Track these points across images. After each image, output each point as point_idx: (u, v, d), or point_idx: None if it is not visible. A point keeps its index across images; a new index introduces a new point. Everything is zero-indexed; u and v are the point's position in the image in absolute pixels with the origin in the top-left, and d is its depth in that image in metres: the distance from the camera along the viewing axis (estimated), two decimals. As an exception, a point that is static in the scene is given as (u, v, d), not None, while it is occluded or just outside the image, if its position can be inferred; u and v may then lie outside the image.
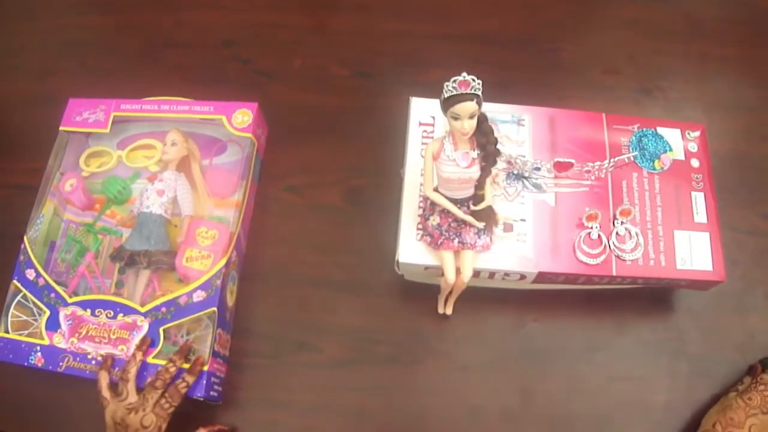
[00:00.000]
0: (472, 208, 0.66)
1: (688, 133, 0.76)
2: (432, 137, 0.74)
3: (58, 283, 0.76)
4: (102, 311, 0.74)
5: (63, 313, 0.74)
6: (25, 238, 0.77)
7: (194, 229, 0.77)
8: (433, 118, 0.75)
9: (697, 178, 0.74)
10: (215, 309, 0.72)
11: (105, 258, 0.80)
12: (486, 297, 0.75)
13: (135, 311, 0.73)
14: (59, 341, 0.73)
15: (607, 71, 0.90)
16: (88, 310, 0.74)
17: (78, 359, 0.72)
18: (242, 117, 0.80)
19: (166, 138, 0.82)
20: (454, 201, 0.66)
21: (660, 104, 0.87)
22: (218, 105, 0.81)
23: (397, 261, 0.70)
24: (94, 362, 0.72)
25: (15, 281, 0.76)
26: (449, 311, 0.74)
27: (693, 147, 0.75)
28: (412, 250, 0.69)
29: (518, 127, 0.74)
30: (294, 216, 0.82)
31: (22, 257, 0.77)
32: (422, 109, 0.75)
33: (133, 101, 0.83)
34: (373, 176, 0.81)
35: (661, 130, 0.76)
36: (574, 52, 0.91)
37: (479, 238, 0.67)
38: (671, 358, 0.75)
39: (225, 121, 0.80)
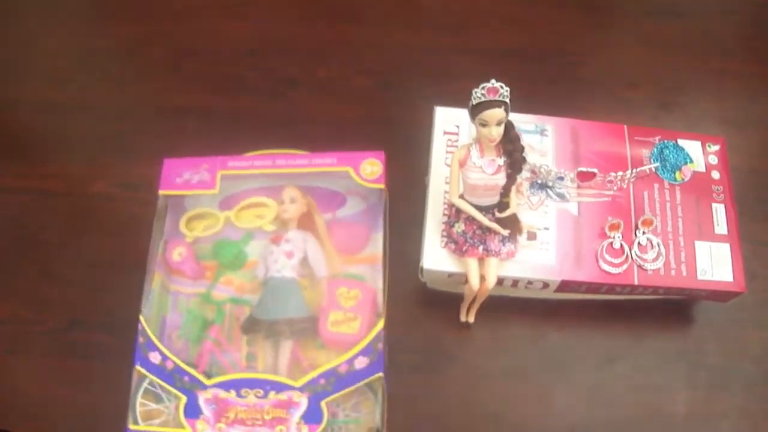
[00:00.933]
0: (497, 215, 0.67)
1: (709, 146, 0.77)
2: (456, 146, 0.74)
3: (186, 364, 0.69)
4: (249, 391, 0.67)
5: (203, 397, 0.67)
6: (141, 318, 0.70)
7: (334, 291, 0.72)
8: (458, 127, 0.76)
9: (717, 189, 0.75)
10: (381, 375, 0.67)
11: (230, 329, 0.73)
12: (507, 306, 0.75)
13: (288, 387, 0.66)
14: (204, 429, 0.66)
15: (626, 86, 0.91)
16: (233, 392, 0.67)
17: None
18: (371, 168, 0.75)
19: (283, 195, 0.76)
20: (480, 208, 0.67)
21: (679, 119, 0.88)
22: (342, 156, 0.76)
23: (422, 268, 0.70)
24: None
25: (138, 367, 0.68)
26: (471, 319, 0.75)
27: (713, 159, 0.76)
28: (436, 257, 0.70)
29: (541, 137, 0.75)
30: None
31: (141, 339, 0.69)
32: (447, 119, 0.76)
33: (242, 158, 0.77)
34: (395, 185, 0.81)
35: (681, 142, 0.77)
36: (593, 67, 0.92)
37: (504, 245, 0.68)
38: (690, 370, 0.76)
39: (352, 173, 0.75)
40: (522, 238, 0.70)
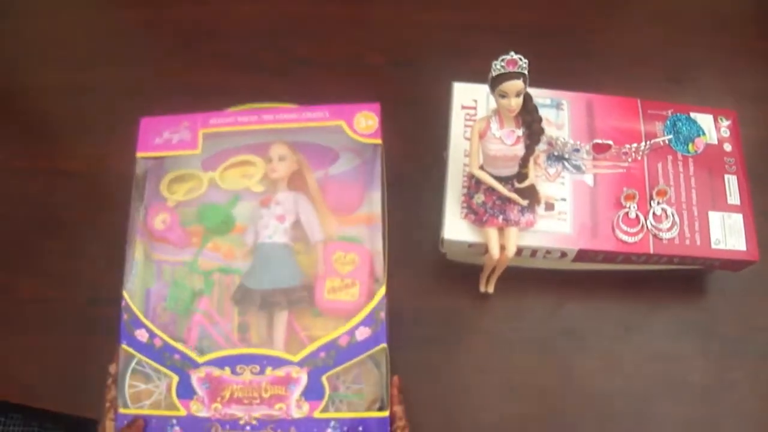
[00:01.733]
0: (516, 185, 0.68)
1: (721, 119, 0.78)
2: (474, 119, 0.75)
3: (175, 339, 0.64)
4: (245, 367, 0.63)
5: (195, 376, 0.63)
6: (124, 293, 0.66)
7: (330, 255, 0.67)
8: (475, 101, 0.77)
9: (729, 161, 0.76)
10: (385, 346, 0.63)
11: (220, 300, 0.69)
12: (526, 277, 0.76)
13: (286, 362, 0.63)
14: (199, 410, 0.62)
15: (637, 61, 0.91)
16: (227, 369, 0.63)
17: (228, 427, 0.62)
18: (366, 121, 0.70)
19: (270, 152, 0.71)
20: (499, 179, 0.68)
21: (690, 93, 0.89)
22: (334, 109, 0.70)
23: (442, 239, 0.71)
24: (249, 428, 0.62)
25: (124, 345, 0.64)
26: (491, 290, 0.76)
27: (725, 132, 0.77)
28: (456, 228, 0.71)
29: (557, 111, 0.76)
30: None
31: (126, 315, 0.65)
32: (464, 93, 0.77)
33: (225, 114, 0.71)
34: (414, 160, 0.82)
35: (694, 115, 0.78)
36: (606, 42, 0.93)
37: (523, 215, 0.69)
38: (704, 339, 0.77)
39: (345, 127, 0.69)
40: (540, 209, 0.71)
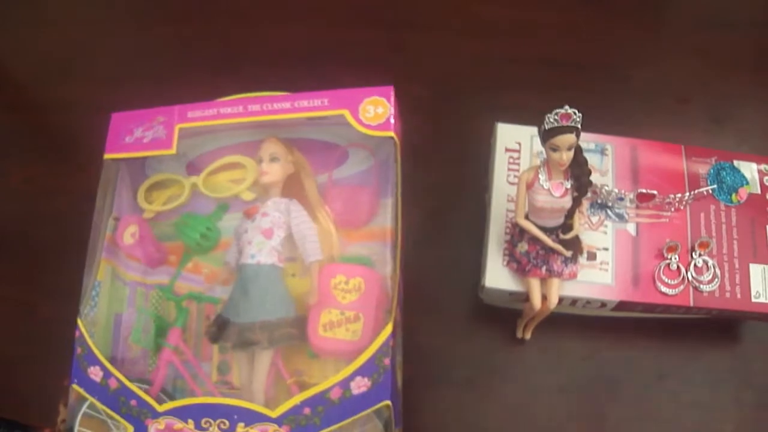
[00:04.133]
0: (561, 236, 0.67)
1: (764, 167, 0.77)
2: (518, 163, 0.75)
3: (138, 381, 0.54)
4: (212, 422, 0.51)
5: (154, 427, 0.52)
6: (79, 322, 0.56)
7: (328, 280, 0.55)
8: (519, 144, 0.76)
9: (772, 212, 0.75)
10: (389, 403, 0.51)
11: (197, 334, 0.58)
12: (562, 322, 0.76)
13: (263, 417, 0.50)
14: None
15: (677, 99, 0.90)
16: (191, 422, 0.51)
17: None
18: (374, 109, 0.57)
19: (261, 152, 0.59)
20: (544, 230, 0.67)
21: (731, 134, 0.88)
22: (336, 96, 0.58)
23: (483, 286, 0.71)
24: None
25: (75, 385, 0.55)
26: (528, 336, 0.76)
27: (768, 181, 0.76)
28: (498, 276, 0.71)
29: (602, 156, 0.76)
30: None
31: (79, 350, 0.55)
32: (508, 135, 0.76)
33: (204, 105, 0.61)
34: (451, 197, 0.82)
35: (737, 163, 0.77)
36: (645, 80, 0.92)
37: (566, 266, 0.69)
38: (738, 388, 0.77)
39: (349, 117, 0.58)
40: (582, 258, 0.71)
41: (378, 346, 0.51)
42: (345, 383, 0.50)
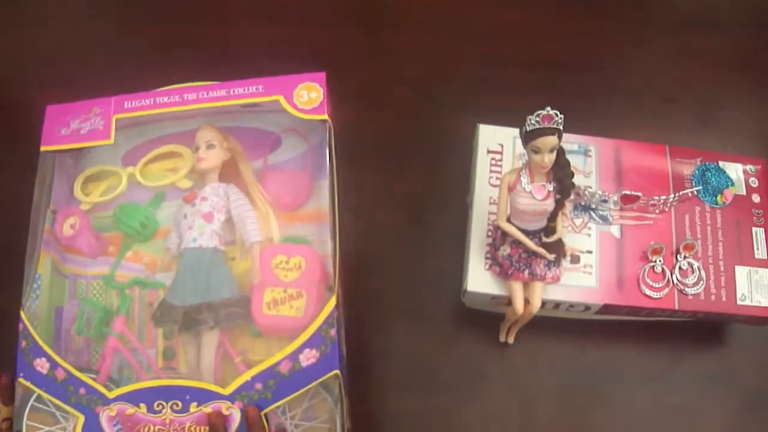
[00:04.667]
0: (544, 240, 0.66)
1: (750, 168, 0.76)
2: (500, 165, 0.74)
3: (85, 371, 0.54)
4: (164, 404, 0.52)
5: (105, 414, 0.52)
6: (22, 314, 0.55)
7: (269, 260, 0.56)
8: (501, 146, 0.75)
9: (757, 213, 0.74)
10: (338, 372, 0.52)
11: (141, 321, 0.58)
12: (545, 325, 0.75)
13: (215, 395, 0.52)
14: None
15: (663, 100, 0.90)
16: (143, 406, 0.52)
17: None
18: (308, 94, 0.59)
19: (197, 139, 0.60)
20: (526, 232, 0.66)
21: (716, 134, 0.88)
22: (270, 83, 0.60)
23: (464, 290, 0.70)
24: None
25: (21, 379, 0.54)
26: (511, 340, 0.75)
27: (754, 182, 0.76)
28: (480, 280, 0.70)
29: (585, 157, 0.75)
30: (352, 237, 0.81)
31: (24, 343, 0.54)
32: (490, 136, 0.75)
33: (141, 95, 0.61)
34: (433, 199, 0.81)
35: (722, 164, 0.76)
36: (629, 80, 0.91)
37: (549, 270, 0.68)
38: (724, 392, 0.76)
39: (284, 103, 0.59)
40: (565, 261, 0.70)
41: (323, 319, 0.52)
42: (294, 356, 0.52)
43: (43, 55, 0.93)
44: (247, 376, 0.52)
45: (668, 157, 0.76)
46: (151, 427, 0.52)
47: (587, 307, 0.70)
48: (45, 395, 0.53)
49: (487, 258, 0.70)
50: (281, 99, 0.59)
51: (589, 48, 0.94)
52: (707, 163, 0.76)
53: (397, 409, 0.74)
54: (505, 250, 0.67)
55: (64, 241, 0.60)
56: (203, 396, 0.52)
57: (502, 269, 0.68)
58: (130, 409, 0.52)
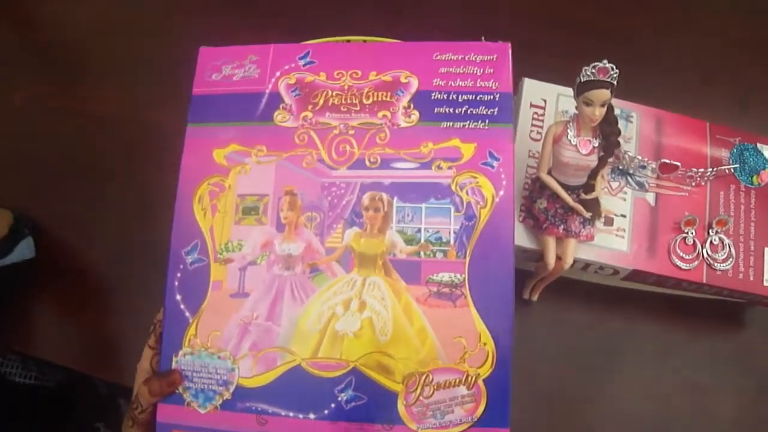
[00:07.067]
0: (583, 196, 0.65)
1: (786, 152, 0.76)
2: (542, 119, 0.73)
3: None
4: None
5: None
6: None
7: None
8: (544, 101, 0.74)
9: (791, 197, 0.74)
10: None
11: None
12: (569, 288, 0.75)
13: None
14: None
15: (704, 79, 0.89)
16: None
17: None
18: None
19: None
20: (565, 187, 0.65)
21: (754, 118, 0.87)
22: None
23: (496, 240, 0.69)
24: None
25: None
26: (535, 298, 0.74)
27: (789, 166, 0.75)
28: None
29: (626, 123, 0.74)
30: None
31: None
32: (534, 91, 0.74)
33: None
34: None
35: (761, 146, 0.76)
36: (672, 53, 0.90)
37: (584, 227, 0.67)
38: (740, 373, 0.76)
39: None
40: (599, 223, 0.69)
41: None
42: None
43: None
44: None
45: (708, 134, 0.75)
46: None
47: (616, 271, 0.70)
48: None
49: (521, 210, 0.69)
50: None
51: (638, 19, 0.92)
52: (746, 143, 0.75)
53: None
54: (542, 203, 0.66)
55: None
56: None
57: (536, 222, 0.67)
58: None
